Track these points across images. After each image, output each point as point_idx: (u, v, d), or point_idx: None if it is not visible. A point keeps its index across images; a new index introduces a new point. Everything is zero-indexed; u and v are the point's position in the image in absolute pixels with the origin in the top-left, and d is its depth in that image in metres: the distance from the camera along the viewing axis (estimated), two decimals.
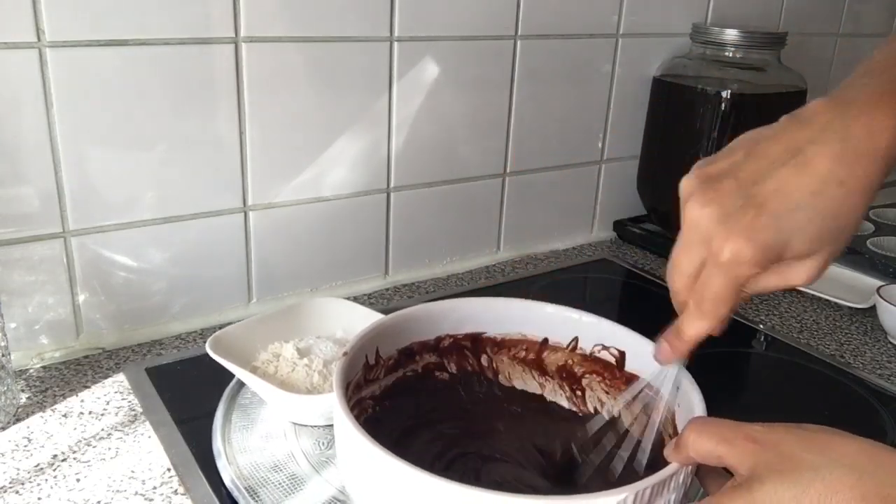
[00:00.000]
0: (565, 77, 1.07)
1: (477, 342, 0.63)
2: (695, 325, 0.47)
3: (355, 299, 0.91)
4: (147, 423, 0.68)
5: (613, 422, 0.58)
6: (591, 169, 1.16)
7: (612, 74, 1.11)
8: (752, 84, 1.09)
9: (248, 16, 0.79)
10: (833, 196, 0.43)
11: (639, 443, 0.52)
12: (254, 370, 0.68)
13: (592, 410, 0.62)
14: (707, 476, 0.47)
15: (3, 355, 0.67)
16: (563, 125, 1.10)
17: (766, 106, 1.08)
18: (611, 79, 1.12)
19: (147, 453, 0.65)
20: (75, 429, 0.68)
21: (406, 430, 0.58)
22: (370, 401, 0.58)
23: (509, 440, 0.60)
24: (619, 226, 1.22)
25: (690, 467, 0.45)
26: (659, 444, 0.50)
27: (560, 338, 0.62)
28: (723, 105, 1.05)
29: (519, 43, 1.00)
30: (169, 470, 0.63)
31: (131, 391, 0.73)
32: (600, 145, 1.15)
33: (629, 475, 0.51)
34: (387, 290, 1.00)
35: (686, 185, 0.46)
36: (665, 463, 0.45)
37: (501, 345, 0.64)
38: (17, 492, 0.60)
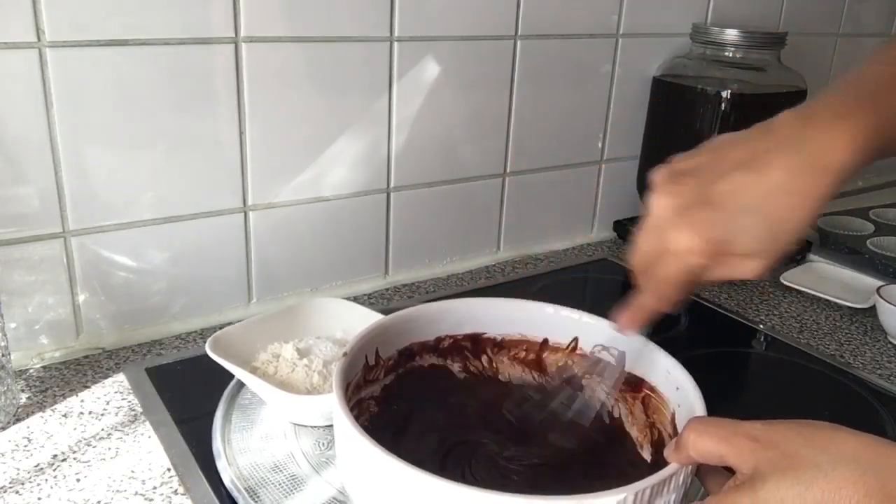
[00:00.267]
0: (565, 77, 1.07)
1: (477, 342, 0.63)
2: (648, 302, 0.51)
3: (355, 299, 0.91)
4: (147, 423, 0.69)
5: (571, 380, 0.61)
6: (591, 169, 1.16)
7: (612, 74, 1.11)
8: (752, 84, 1.09)
9: (248, 16, 0.79)
10: (780, 202, 0.46)
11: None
12: (253, 370, 0.67)
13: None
14: (707, 475, 0.47)
15: (3, 355, 0.67)
16: (563, 125, 1.10)
17: (766, 106, 1.07)
18: (611, 79, 1.12)
19: (147, 453, 0.65)
20: (75, 429, 0.68)
21: (406, 430, 0.58)
22: (370, 401, 0.58)
23: (509, 439, 0.60)
24: (619, 226, 1.22)
25: (690, 467, 0.45)
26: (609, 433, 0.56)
27: (560, 338, 0.62)
28: (723, 105, 1.05)
29: (519, 43, 1.00)
30: (169, 470, 0.63)
31: (131, 391, 0.73)
32: (600, 145, 1.15)
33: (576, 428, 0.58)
34: (387, 290, 1.00)
35: (656, 177, 0.50)
36: (665, 463, 0.45)
37: (501, 345, 0.64)
38: (17, 492, 0.60)
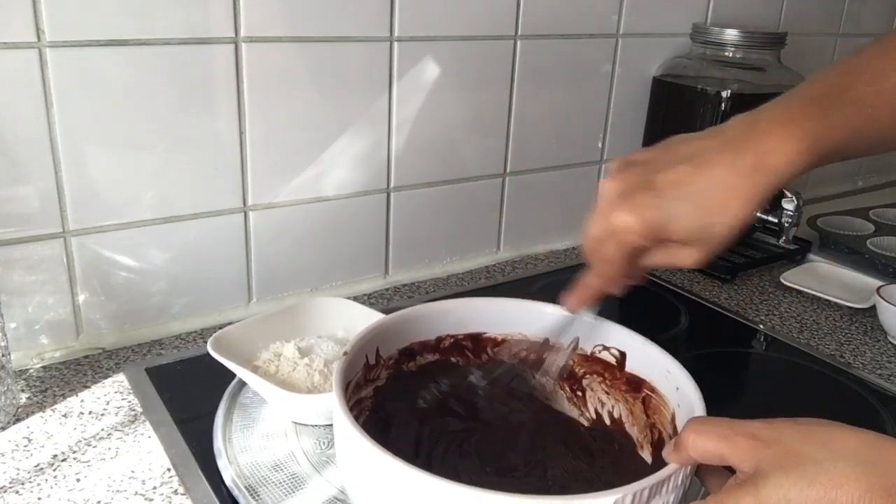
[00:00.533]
0: (565, 77, 1.07)
1: (477, 342, 0.63)
2: (593, 281, 0.55)
3: (355, 299, 0.91)
4: (147, 423, 0.69)
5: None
6: (591, 169, 1.16)
7: (612, 74, 1.11)
8: (752, 84, 1.09)
9: (248, 16, 0.79)
10: (714, 195, 0.49)
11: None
12: (255, 370, 0.68)
13: (593, 411, 0.62)
14: (707, 474, 0.47)
15: (3, 355, 0.67)
16: (563, 125, 1.10)
17: None
18: (611, 79, 1.12)
19: (147, 453, 0.65)
20: (75, 429, 0.68)
21: (406, 429, 0.58)
22: (370, 400, 0.58)
23: (509, 439, 0.60)
24: None
25: (689, 467, 0.45)
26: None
27: (561, 338, 0.62)
28: (723, 105, 1.05)
29: (519, 43, 1.00)
30: (169, 470, 0.63)
31: (131, 391, 0.73)
32: (600, 145, 1.15)
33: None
34: (387, 290, 1.00)
35: (610, 166, 0.55)
36: (665, 463, 0.45)
37: (502, 345, 0.63)
38: (17, 492, 0.60)
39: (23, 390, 0.73)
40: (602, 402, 0.62)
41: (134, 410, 0.71)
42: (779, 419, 0.42)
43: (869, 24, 1.46)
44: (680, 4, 1.15)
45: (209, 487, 0.60)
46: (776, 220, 1.08)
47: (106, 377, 0.76)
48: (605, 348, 0.60)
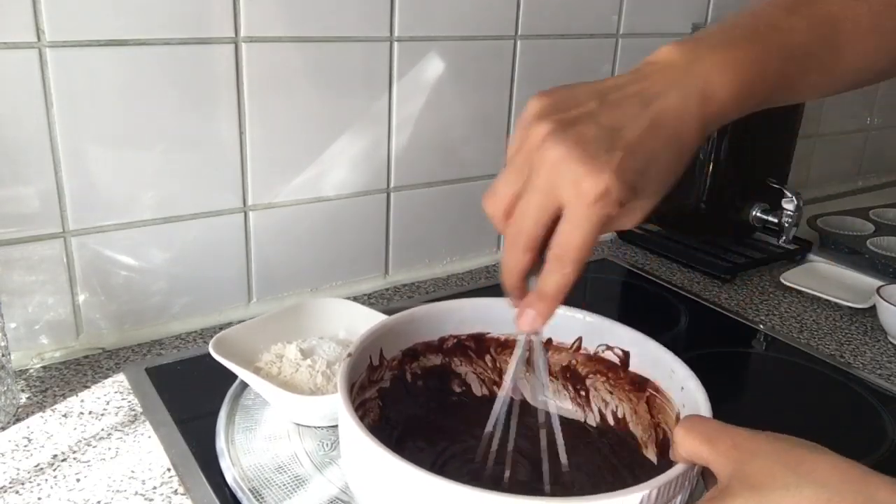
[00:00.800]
0: (565, 77, 1.05)
1: (481, 342, 0.63)
2: (555, 279, 0.44)
3: (355, 299, 0.91)
4: (147, 423, 0.68)
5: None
6: None
7: (612, 74, 1.11)
8: None
9: (248, 16, 0.79)
10: (674, 148, 0.45)
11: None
12: (257, 371, 0.67)
13: (597, 411, 0.62)
14: (708, 475, 0.47)
15: (3, 355, 0.67)
16: None
17: None
18: None
19: (147, 453, 0.65)
20: (75, 429, 0.67)
21: (410, 430, 0.58)
22: (374, 402, 0.58)
23: (514, 439, 0.60)
24: None
25: (697, 467, 0.45)
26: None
27: (564, 338, 0.62)
28: None
29: (519, 43, 1.00)
30: (169, 470, 0.62)
31: (131, 391, 0.73)
32: None
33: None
34: (387, 290, 0.99)
35: (539, 127, 0.44)
36: (670, 463, 0.45)
37: (505, 345, 0.63)
38: (17, 492, 0.59)
39: (23, 390, 0.73)
40: (606, 402, 0.62)
41: (134, 410, 0.70)
42: (763, 432, 0.42)
43: None
44: (680, 4, 1.15)
45: (209, 488, 0.60)
46: (776, 220, 1.08)
47: (106, 377, 0.76)
48: (609, 348, 0.60)
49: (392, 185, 0.96)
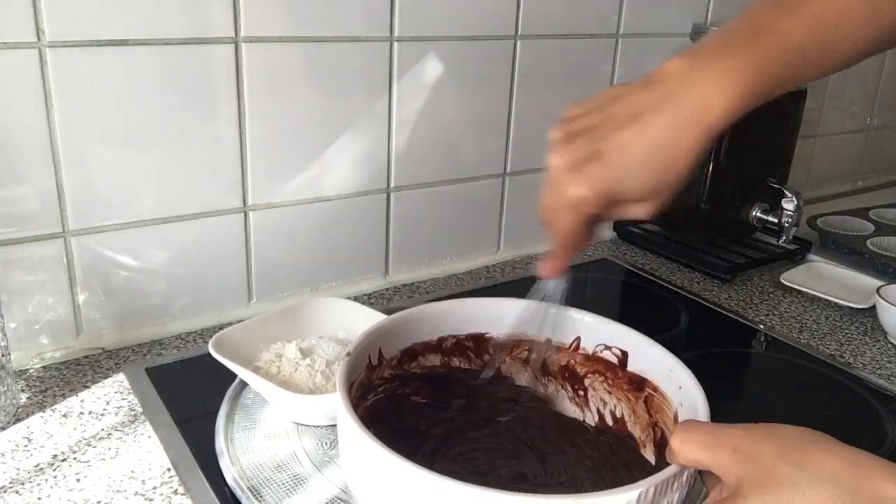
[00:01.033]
0: (565, 77, 1.07)
1: (479, 342, 0.63)
2: (560, 250, 0.55)
3: (355, 299, 0.91)
4: (147, 423, 0.68)
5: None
6: None
7: (612, 74, 1.11)
8: None
9: (248, 16, 0.79)
10: (661, 157, 0.50)
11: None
12: (256, 370, 0.67)
13: (595, 411, 0.62)
14: (706, 473, 0.47)
15: (3, 355, 0.67)
16: None
17: (765, 105, 1.07)
18: (611, 79, 1.12)
19: (147, 453, 0.65)
20: (75, 429, 0.68)
21: (409, 429, 0.58)
22: (373, 401, 0.58)
23: (513, 438, 0.60)
24: (619, 226, 1.22)
25: (692, 468, 0.45)
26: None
27: (562, 338, 0.62)
28: None
29: (519, 43, 1.00)
30: (169, 470, 0.63)
31: (131, 391, 0.73)
32: None
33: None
34: (387, 290, 0.99)
35: (553, 136, 0.54)
36: (668, 463, 0.45)
37: (504, 345, 0.63)
38: (17, 492, 0.59)
39: (23, 390, 0.73)
40: (604, 402, 0.62)
41: (134, 410, 0.71)
42: (760, 427, 0.42)
43: None
44: (680, 4, 1.15)
45: (209, 487, 0.60)
46: (776, 220, 1.08)
47: (106, 377, 0.76)
48: (607, 348, 0.60)
49: (392, 185, 0.96)
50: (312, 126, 0.87)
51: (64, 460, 0.63)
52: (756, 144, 1.08)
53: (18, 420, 0.68)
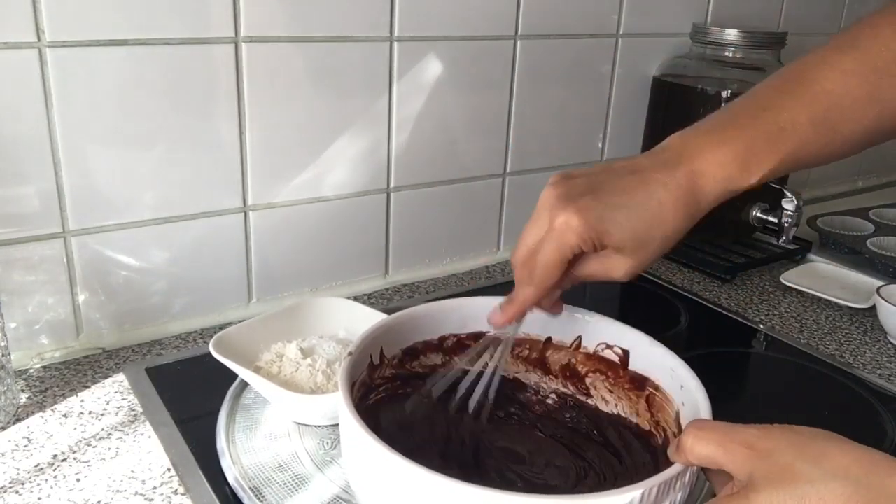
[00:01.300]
0: (565, 77, 1.07)
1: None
2: (524, 291, 0.55)
3: (355, 299, 0.91)
4: (147, 423, 0.68)
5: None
6: None
7: (612, 74, 1.11)
8: (752, 84, 1.09)
9: (248, 16, 0.79)
10: (651, 208, 0.52)
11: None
12: (257, 370, 0.67)
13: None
14: (712, 472, 0.47)
15: (3, 355, 0.67)
16: (563, 125, 1.09)
17: None
18: (611, 79, 1.12)
19: (147, 453, 0.65)
20: (75, 429, 0.67)
21: (411, 429, 0.58)
22: (375, 400, 0.58)
23: (514, 437, 0.60)
24: None
25: (694, 467, 0.45)
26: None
27: (563, 337, 0.62)
28: (723, 105, 1.05)
29: (519, 43, 1.00)
30: (169, 470, 0.62)
31: (131, 391, 0.73)
32: (600, 145, 1.15)
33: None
34: (387, 290, 0.99)
35: (551, 179, 0.54)
36: (669, 462, 0.45)
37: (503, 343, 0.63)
38: (17, 492, 0.59)
39: (23, 390, 0.73)
40: (606, 401, 0.62)
41: (134, 410, 0.70)
42: (775, 427, 0.42)
43: None
44: (680, 4, 1.15)
45: (209, 487, 0.60)
46: (776, 220, 1.08)
47: (106, 377, 0.76)
48: (609, 346, 0.60)
49: (392, 185, 0.96)
50: (312, 126, 0.87)
51: (64, 460, 0.63)
52: None
53: (18, 420, 0.68)
